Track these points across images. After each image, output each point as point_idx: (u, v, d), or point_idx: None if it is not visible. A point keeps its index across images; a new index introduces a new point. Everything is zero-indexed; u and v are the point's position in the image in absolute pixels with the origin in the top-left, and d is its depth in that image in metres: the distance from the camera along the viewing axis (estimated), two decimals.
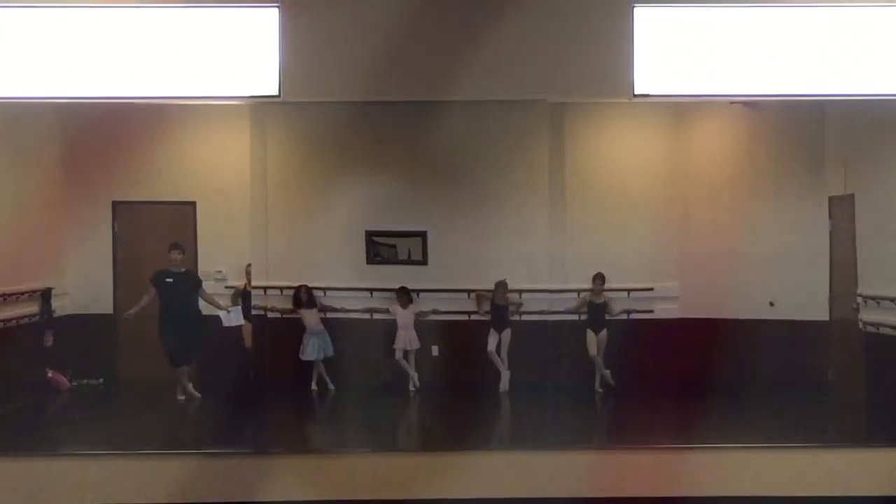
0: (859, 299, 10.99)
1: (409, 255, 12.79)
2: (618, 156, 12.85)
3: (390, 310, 12.51)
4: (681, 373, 11.63)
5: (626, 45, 8.59)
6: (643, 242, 12.50)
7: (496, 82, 8.82)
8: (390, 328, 12.43)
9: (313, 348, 12.31)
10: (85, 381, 12.37)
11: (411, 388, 12.34)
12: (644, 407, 11.28)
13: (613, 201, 12.62)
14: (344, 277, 12.58)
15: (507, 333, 12.29)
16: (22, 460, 8.57)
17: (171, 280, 11.67)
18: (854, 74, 8.64)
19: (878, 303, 10.64)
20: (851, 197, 11.22)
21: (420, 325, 12.47)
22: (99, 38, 8.57)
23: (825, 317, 11.73)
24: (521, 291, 12.42)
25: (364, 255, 12.70)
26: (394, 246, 12.82)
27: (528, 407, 11.50)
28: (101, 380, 12.47)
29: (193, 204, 12.70)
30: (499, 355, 12.27)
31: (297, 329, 12.38)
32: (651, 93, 8.72)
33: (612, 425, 11.46)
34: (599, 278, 12.38)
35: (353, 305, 12.59)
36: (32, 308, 11.91)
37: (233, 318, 12.09)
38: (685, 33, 8.66)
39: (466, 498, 8.39)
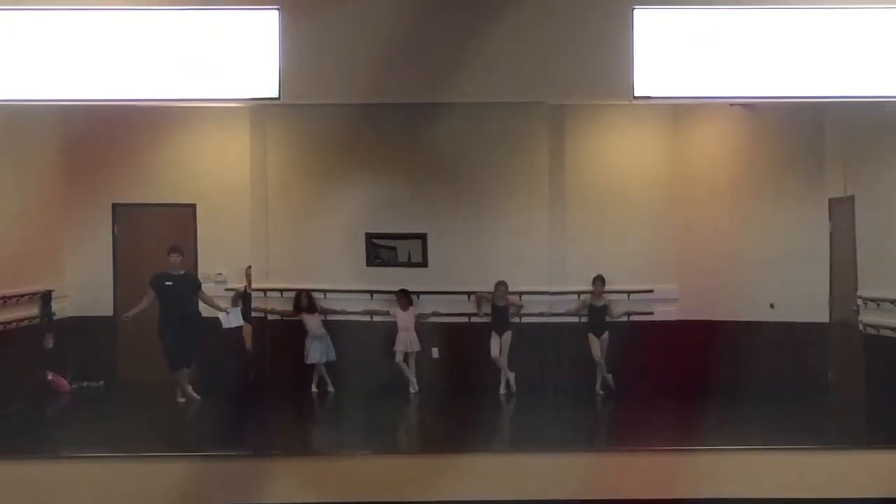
0: (859, 301, 10.99)
1: (410, 258, 12.78)
2: (618, 158, 12.86)
3: (390, 312, 12.51)
4: (681, 375, 11.62)
5: (625, 48, 8.60)
6: (643, 244, 12.50)
7: (496, 84, 8.82)
8: (390, 330, 12.43)
9: (316, 352, 12.31)
10: (85, 384, 12.36)
11: (412, 389, 12.34)
12: (644, 409, 11.28)
13: (613, 203, 12.63)
14: (344, 280, 12.58)
15: (507, 336, 12.28)
16: (22, 463, 8.57)
17: (170, 283, 11.68)
18: (853, 76, 8.65)
19: (879, 304, 10.64)
20: (851, 198, 11.22)
21: (420, 327, 12.47)
22: (99, 41, 8.57)
23: (825, 318, 11.72)
24: (520, 293, 12.42)
25: (364, 258, 12.70)
26: (394, 248, 12.82)
27: (528, 409, 11.51)
28: (102, 382, 12.46)
29: (193, 206, 12.71)
30: (500, 357, 12.26)
31: (297, 331, 12.38)
32: (651, 95, 8.73)
33: (612, 427, 11.46)
34: (599, 280, 12.39)
35: (353, 308, 12.59)
36: (32, 310, 11.91)
37: (232, 319, 12.10)
38: (685, 35, 8.67)
39: (466, 500, 8.38)
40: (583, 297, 12.48)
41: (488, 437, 10.18)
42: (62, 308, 12.41)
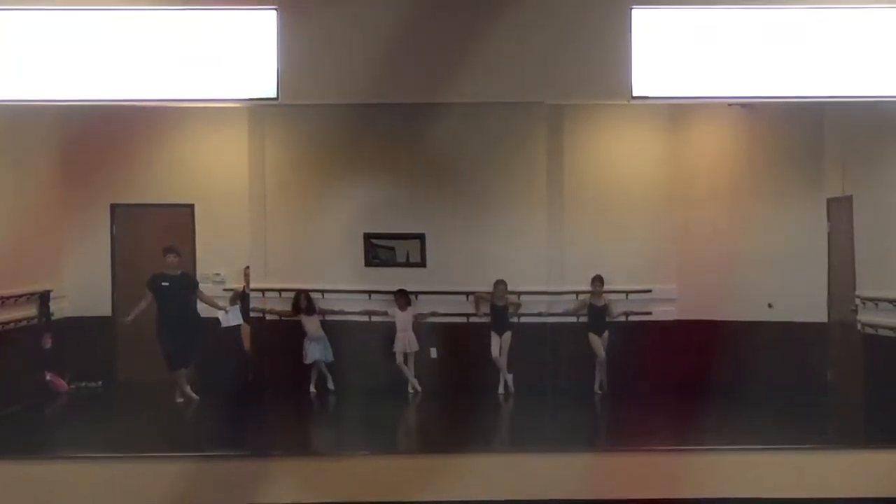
0: (858, 301, 11.00)
1: (408, 258, 12.78)
2: (616, 157, 12.86)
3: (389, 312, 12.51)
4: (679, 374, 11.63)
5: (624, 48, 8.60)
6: (641, 244, 12.49)
7: (494, 84, 8.81)
8: (389, 330, 12.43)
9: (314, 352, 12.31)
10: (83, 384, 12.36)
11: (410, 390, 12.34)
12: (643, 409, 11.27)
13: (612, 203, 12.63)
14: (342, 280, 12.58)
15: (507, 336, 12.29)
16: (21, 463, 8.56)
17: (167, 283, 11.68)
18: (852, 76, 8.65)
19: (877, 304, 10.64)
20: (850, 198, 11.22)
21: (419, 327, 12.47)
22: (97, 41, 8.55)
23: (824, 318, 11.73)
24: (519, 293, 12.42)
25: (363, 258, 12.70)
26: (392, 248, 12.82)
27: (526, 409, 11.51)
28: (100, 382, 12.47)
29: (192, 206, 12.71)
30: (500, 357, 12.27)
31: (295, 331, 12.38)
32: (649, 95, 8.72)
33: (610, 427, 11.45)
34: (598, 281, 12.39)
35: (351, 308, 12.59)
36: (31, 311, 11.90)
37: (231, 317, 12.09)
38: (683, 35, 8.66)
39: (465, 500, 8.38)
40: (582, 297, 12.48)
41: (487, 438, 10.18)
42: (60, 308, 12.41)
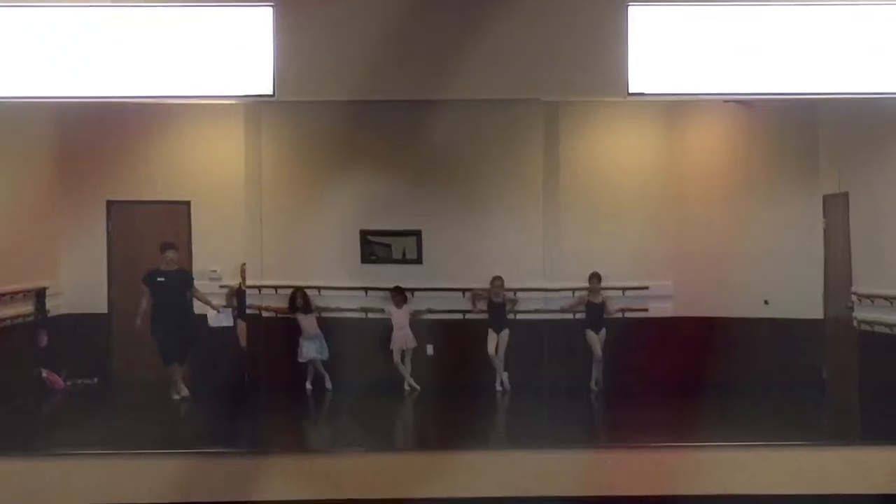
0: (853, 297, 11.01)
1: (404, 255, 12.78)
2: (612, 154, 12.86)
3: (385, 310, 12.50)
4: (675, 371, 11.65)
5: (620, 44, 8.59)
6: (638, 241, 12.49)
7: (491, 81, 8.82)
8: (385, 327, 12.42)
9: (310, 350, 12.30)
10: (79, 381, 12.36)
11: (406, 387, 12.34)
12: (638, 405, 11.30)
13: (608, 200, 12.62)
14: (339, 277, 12.58)
15: (505, 334, 12.28)
16: (17, 460, 8.56)
17: (163, 279, 11.68)
18: (848, 73, 8.65)
19: (872, 301, 10.65)
20: (845, 195, 11.22)
21: (416, 324, 12.46)
22: (92, 38, 8.54)
23: (819, 315, 11.75)
24: (515, 290, 12.43)
25: (359, 255, 12.70)
26: (388, 245, 12.81)
27: (523, 405, 11.52)
28: (96, 379, 12.45)
29: (188, 203, 12.69)
30: (496, 355, 12.27)
31: (292, 328, 12.37)
32: (646, 92, 8.72)
33: (606, 424, 11.47)
34: (596, 278, 12.39)
35: (347, 305, 12.58)
36: (27, 308, 11.88)
37: (221, 318, 12.06)
38: (680, 32, 8.66)
39: (462, 497, 8.38)
40: (579, 293, 12.49)
41: (483, 435, 10.19)
42: (56, 305, 12.39)
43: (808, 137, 11.79)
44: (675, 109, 12.45)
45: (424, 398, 12.13)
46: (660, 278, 12.56)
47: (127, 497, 8.31)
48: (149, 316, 11.60)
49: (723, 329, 11.75)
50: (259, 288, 12.38)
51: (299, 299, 12.38)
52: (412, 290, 12.54)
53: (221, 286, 12.51)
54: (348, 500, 8.39)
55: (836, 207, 11.45)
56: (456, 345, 12.43)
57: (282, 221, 12.46)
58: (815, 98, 9.58)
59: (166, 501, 8.30)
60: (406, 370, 12.39)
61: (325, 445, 10.26)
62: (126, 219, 12.77)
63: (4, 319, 11.31)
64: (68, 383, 12.28)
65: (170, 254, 11.73)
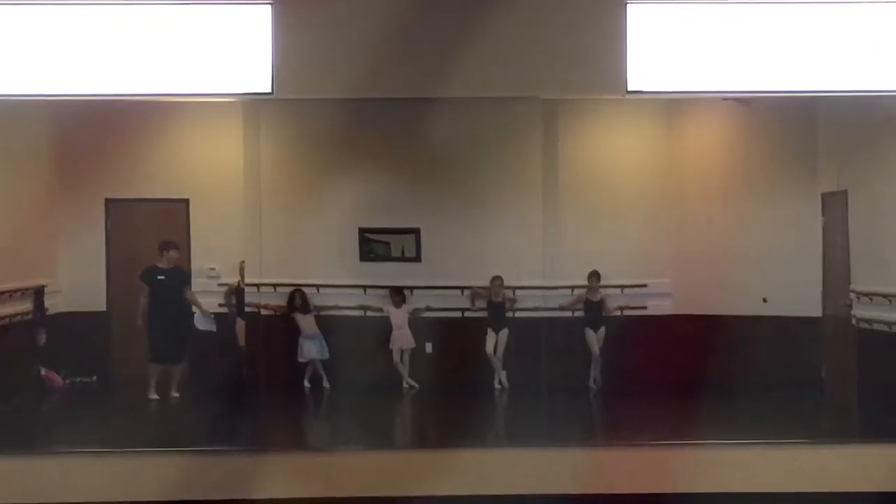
0: (852, 295, 11.00)
1: (403, 253, 12.77)
2: (611, 152, 12.87)
3: (384, 309, 12.49)
4: (674, 369, 11.65)
5: (619, 42, 8.59)
6: (636, 239, 12.50)
7: (489, 79, 8.81)
8: (384, 326, 12.42)
9: (310, 350, 12.30)
10: (78, 379, 12.33)
11: (405, 385, 12.33)
12: (637, 404, 11.30)
13: (607, 198, 12.63)
14: (337, 275, 12.57)
15: (504, 334, 12.27)
16: (16, 459, 8.55)
17: (161, 277, 11.67)
18: (847, 70, 8.65)
19: (871, 299, 10.65)
20: (844, 193, 11.22)
21: (414, 323, 12.45)
22: (91, 35, 8.53)
23: (818, 313, 11.74)
24: (514, 288, 12.42)
25: (357, 253, 12.69)
26: (387, 243, 12.81)
27: (521, 404, 11.51)
28: (95, 377, 12.43)
29: (186, 201, 12.68)
30: (495, 354, 12.27)
31: (291, 327, 12.36)
32: (644, 89, 8.72)
33: (605, 422, 11.46)
34: (595, 276, 12.39)
35: (346, 303, 12.58)
36: (25, 306, 11.87)
37: (207, 322, 12.03)
38: (679, 30, 8.66)
39: (461, 495, 8.38)
40: (578, 291, 12.48)
41: (482, 433, 10.18)
42: (55, 304, 12.38)
43: (807, 136, 11.78)
44: (674, 108, 12.46)
45: (423, 396, 12.13)
46: (658, 276, 12.55)
47: (126, 495, 8.31)
48: (147, 313, 11.60)
49: (721, 327, 11.75)
50: (258, 286, 12.38)
51: (297, 299, 12.38)
52: (411, 289, 12.53)
53: (220, 284, 12.50)
54: (347, 497, 8.39)
55: (834, 205, 11.45)
56: (455, 343, 12.43)
57: (280, 219, 12.47)
58: (814, 96, 9.58)
59: (166, 499, 8.29)
60: (405, 369, 12.39)
61: (324, 443, 10.26)
62: (125, 217, 12.76)
63: (3, 318, 11.29)
64: (67, 381, 12.27)
65: (172, 253, 11.73)
